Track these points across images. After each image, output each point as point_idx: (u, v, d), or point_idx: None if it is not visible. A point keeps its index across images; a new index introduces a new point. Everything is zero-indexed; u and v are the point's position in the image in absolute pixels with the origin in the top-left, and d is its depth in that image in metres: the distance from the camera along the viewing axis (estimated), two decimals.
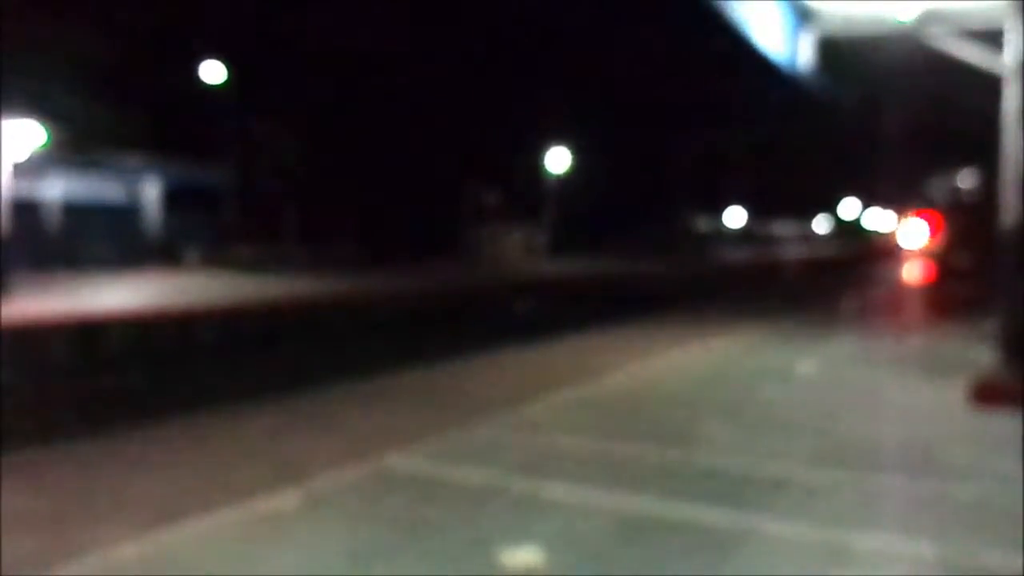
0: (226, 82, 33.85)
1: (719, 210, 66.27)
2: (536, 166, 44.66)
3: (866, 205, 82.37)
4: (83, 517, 5.52)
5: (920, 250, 21.16)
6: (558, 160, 44.70)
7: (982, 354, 10.74)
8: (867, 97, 19.79)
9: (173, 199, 32.14)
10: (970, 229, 19.84)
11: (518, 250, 44.24)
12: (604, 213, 48.11)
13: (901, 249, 56.57)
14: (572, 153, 44.95)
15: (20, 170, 23.27)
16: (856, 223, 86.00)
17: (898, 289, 28.61)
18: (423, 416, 8.53)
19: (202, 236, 34.20)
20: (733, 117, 50.04)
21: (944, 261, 21.37)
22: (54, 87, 27.54)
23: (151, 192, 31.62)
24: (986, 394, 8.83)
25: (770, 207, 71.44)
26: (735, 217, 70.07)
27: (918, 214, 21.31)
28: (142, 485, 6.23)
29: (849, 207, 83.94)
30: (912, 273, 36.21)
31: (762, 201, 66.38)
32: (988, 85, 10.17)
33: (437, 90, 38.58)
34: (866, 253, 69.72)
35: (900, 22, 10.69)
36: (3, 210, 18.93)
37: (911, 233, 21.72)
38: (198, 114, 33.67)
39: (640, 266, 39.72)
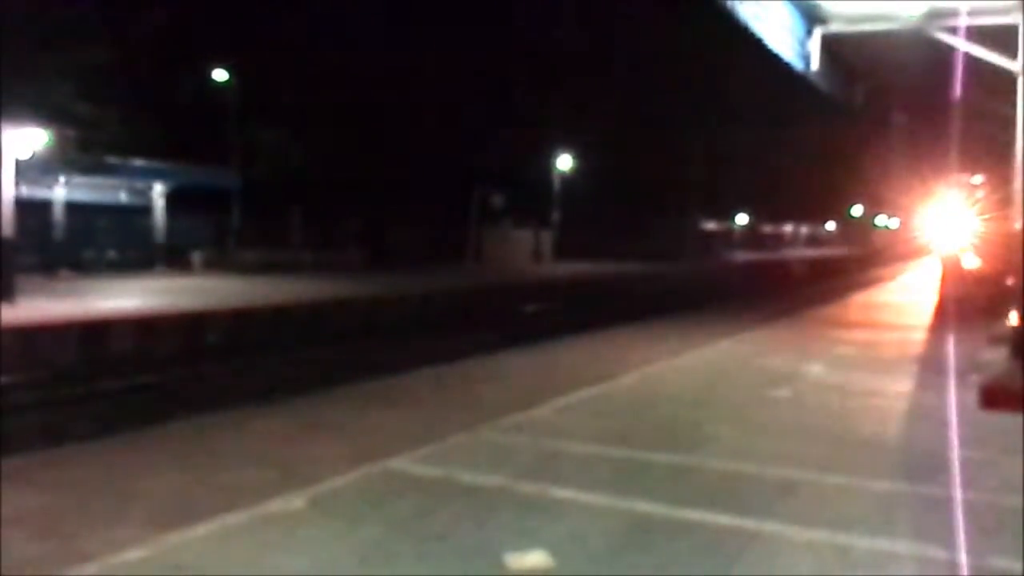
0: (233, 86, 33.91)
1: (727, 211, 66.12)
2: (543, 169, 44.62)
3: (873, 211, 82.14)
4: (87, 520, 5.48)
5: (953, 251, 20.91)
6: (563, 162, 44.75)
7: (994, 357, 10.65)
8: (876, 97, 19.68)
9: (180, 202, 32.14)
10: (984, 232, 19.68)
11: (524, 252, 44.20)
12: (611, 215, 48.02)
13: (911, 249, 56.33)
14: (579, 155, 44.92)
15: (28, 172, 23.27)
16: (868, 220, 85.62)
17: (908, 291, 28.46)
18: (432, 418, 8.48)
19: (208, 239, 34.23)
20: (742, 118, 49.93)
21: (957, 264, 21.18)
22: (61, 90, 27.56)
23: (158, 195, 31.64)
24: (996, 397, 8.74)
25: (778, 208, 71.29)
26: (743, 218, 70.01)
27: (950, 215, 21.03)
28: (148, 487, 6.18)
29: (856, 212, 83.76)
30: (923, 274, 36.06)
31: (770, 202, 66.24)
32: (1001, 85, 10.08)
33: (443, 93, 38.58)
34: (875, 253, 69.53)
35: (912, 16, 10.61)
36: (7, 213, 18.88)
37: (945, 233, 21.47)
38: (205, 117, 33.71)
39: (648, 268, 39.64)
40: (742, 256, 61.02)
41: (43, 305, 17.94)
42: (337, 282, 26.88)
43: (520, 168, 42.71)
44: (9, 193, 19.08)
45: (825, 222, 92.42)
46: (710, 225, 64.34)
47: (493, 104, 40.00)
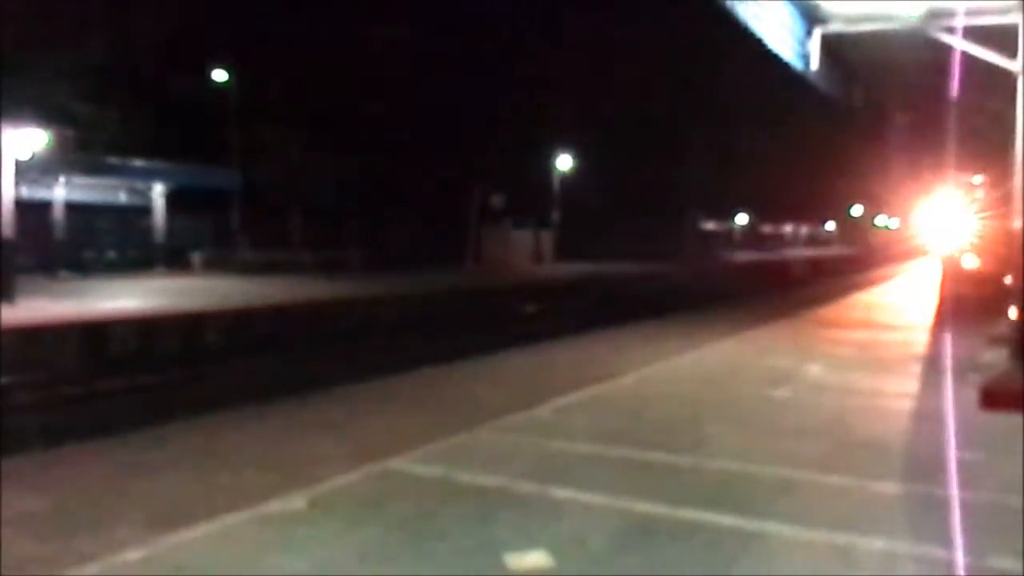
0: (232, 86, 33.90)
1: (727, 211, 66.06)
2: (543, 169, 44.58)
3: (873, 211, 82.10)
4: (88, 520, 5.48)
5: (953, 251, 20.87)
6: (563, 161, 44.74)
7: (994, 357, 10.64)
8: (876, 97, 19.68)
9: (180, 202, 32.12)
10: (984, 232, 19.69)
11: (524, 253, 44.20)
12: (611, 215, 47.94)
13: (911, 249, 56.22)
14: (580, 155, 44.89)
15: (28, 172, 23.26)
16: (867, 220, 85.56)
17: (908, 291, 28.46)
18: (431, 418, 8.48)
19: (208, 239, 34.21)
20: (742, 118, 49.88)
21: (957, 264, 21.18)
22: (61, 90, 27.56)
23: (158, 195, 31.63)
24: (996, 397, 8.74)
25: (778, 208, 71.21)
26: (743, 218, 69.96)
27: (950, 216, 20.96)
28: (147, 487, 6.18)
29: (856, 212, 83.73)
30: (923, 274, 36.05)
31: (770, 202, 66.13)
32: (1001, 85, 10.08)
33: (443, 93, 38.55)
34: (875, 252, 69.46)
35: (911, 16, 10.61)
36: (7, 213, 18.86)
37: (944, 233, 21.46)
38: (205, 117, 33.69)
39: (648, 268, 39.59)
40: (742, 256, 60.97)
41: (43, 305, 17.93)
42: (337, 282, 26.87)
43: (520, 168, 42.65)
44: (9, 193, 19.07)
45: (825, 222, 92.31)
46: (710, 225, 64.24)
47: (493, 104, 39.95)
